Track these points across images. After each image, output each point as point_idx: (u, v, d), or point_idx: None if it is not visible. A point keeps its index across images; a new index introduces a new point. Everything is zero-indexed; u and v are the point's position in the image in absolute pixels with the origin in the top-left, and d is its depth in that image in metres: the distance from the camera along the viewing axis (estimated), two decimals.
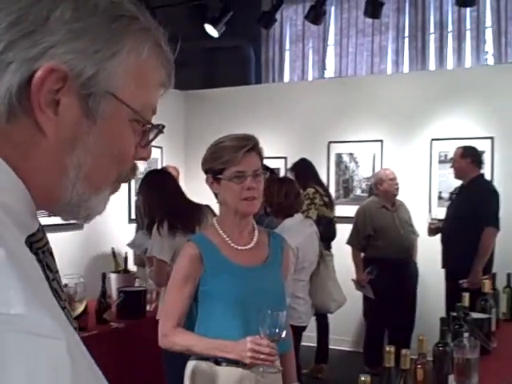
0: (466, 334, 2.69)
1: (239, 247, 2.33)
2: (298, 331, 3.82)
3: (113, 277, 4.48)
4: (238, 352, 2.09)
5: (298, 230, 3.92)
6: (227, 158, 2.21)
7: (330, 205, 5.63)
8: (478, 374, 2.59)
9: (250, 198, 2.25)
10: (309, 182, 5.31)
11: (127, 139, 0.80)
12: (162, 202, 3.79)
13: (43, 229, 0.80)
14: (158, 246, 3.66)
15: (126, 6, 0.77)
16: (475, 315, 3.15)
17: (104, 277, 4.00)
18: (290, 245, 2.56)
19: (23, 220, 0.72)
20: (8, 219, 0.68)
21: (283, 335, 2.08)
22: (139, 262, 4.60)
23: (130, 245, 4.37)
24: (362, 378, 1.69)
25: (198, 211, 3.85)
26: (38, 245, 0.77)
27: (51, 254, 0.82)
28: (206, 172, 2.31)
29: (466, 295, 3.10)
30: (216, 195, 2.35)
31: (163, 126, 0.84)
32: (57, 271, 0.82)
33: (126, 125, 0.78)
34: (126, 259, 4.69)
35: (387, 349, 1.84)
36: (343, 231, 5.83)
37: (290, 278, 3.76)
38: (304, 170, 5.59)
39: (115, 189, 0.84)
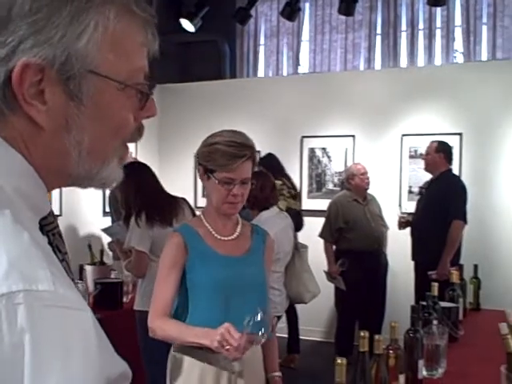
0: (435, 322, 2.81)
1: (223, 237, 2.37)
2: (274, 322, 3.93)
3: (89, 269, 4.51)
4: (210, 337, 2.07)
5: (273, 223, 3.99)
6: (221, 163, 2.23)
7: (296, 197, 5.72)
8: (446, 360, 2.72)
9: (234, 203, 2.30)
10: (276, 174, 5.39)
11: (120, 108, 0.81)
12: (140, 194, 3.84)
13: (53, 212, 0.86)
14: (137, 238, 3.71)
15: None
16: (443, 304, 3.27)
17: (81, 269, 4.04)
18: (273, 239, 2.58)
19: (36, 204, 0.78)
20: (24, 204, 0.74)
21: (264, 340, 2.07)
22: (117, 257, 4.64)
23: (106, 230, 4.40)
24: (339, 361, 1.77)
25: (175, 204, 3.91)
26: (48, 227, 0.83)
27: (60, 236, 0.88)
28: (199, 164, 2.33)
29: (435, 285, 3.22)
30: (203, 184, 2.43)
31: (153, 85, 0.86)
32: (66, 252, 0.88)
33: (116, 95, 0.80)
34: (101, 251, 4.73)
35: (361, 334, 1.93)
36: (316, 224, 5.93)
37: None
38: (271, 163, 5.64)
39: (124, 153, 0.87)
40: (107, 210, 6.67)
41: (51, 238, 0.84)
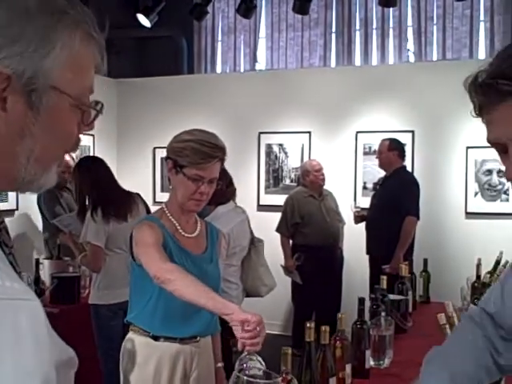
0: (383, 314, 2.93)
1: (186, 234, 2.44)
2: None
3: (46, 263, 4.53)
4: (233, 310, 2.00)
5: (229, 217, 4.07)
6: (194, 160, 2.29)
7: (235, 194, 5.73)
8: (393, 350, 2.84)
9: (199, 200, 2.38)
10: None
11: (70, 122, 0.89)
12: (95, 189, 3.87)
13: None
14: (93, 232, 3.76)
15: (56, 1, 0.84)
16: (393, 297, 3.39)
17: (37, 263, 4.05)
18: (223, 233, 2.70)
19: None
20: None
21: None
22: (68, 253, 4.65)
23: (58, 221, 4.42)
24: (284, 350, 1.87)
25: (129, 199, 3.97)
26: None
27: (7, 231, 0.95)
28: (168, 158, 2.37)
29: (384, 278, 3.34)
30: (169, 178, 2.46)
31: (102, 105, 0.95)
32: (12, 246, 0.95)
33: (68, 110, 0.87)
34: (59, 246, 4.74)
35: (307, 325, 2.03)
36: (273, 219, 6.03)
37: (222, 264, 3.94)
38: None
39: (61, 161, 0.95)
40: None
41: None
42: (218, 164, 2.36)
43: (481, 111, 1.09)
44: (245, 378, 1.32)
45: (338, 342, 2.34)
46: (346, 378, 2.46)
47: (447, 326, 2.09)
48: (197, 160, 2.29)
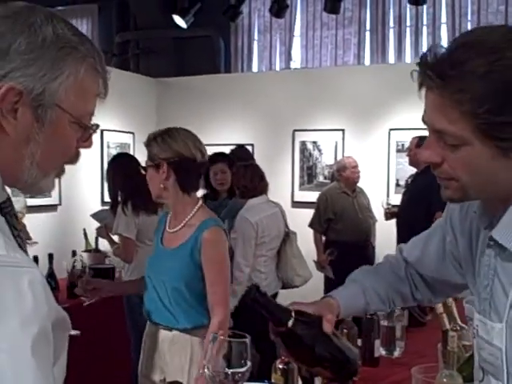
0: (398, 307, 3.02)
1: (168, 230, 2.63)
2: None
3: (84, 255, 4.75)
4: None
5: (259, 209, 4.28)
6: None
7: None
8: (407, 342, 2.93)
9: None
10: None
11: (69, 137, 1.06)
12: (126, 184, 4.07)
13: (10, 198, 1.10)
14: (124, 225, 3.95)
15: (69, 37, 1.02)
16: None
17: (74, 255, 4.25)
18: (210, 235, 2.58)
19: None
20: None
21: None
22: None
23: (94, 215, 4.65)
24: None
25: None
26: (6, 210, 1.06)
27: (16, 216, 1.12)
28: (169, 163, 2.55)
29: None
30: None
31: (97, 126, 1.12)
32: (20, 230, 1.13)
33: (69, 126, 1.05)
34: (96, 239, 4.95)
35: None
36: (307, 215, 6.11)
37: (239, 254, 4.14)
38: (240, 155, 5.69)
39: (61, 171, 1.13)
40: (106, 199, 6.90)
41: (8, 218, 1.07)
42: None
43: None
44: None
45: (344, 330, 2.45)
46: None
47: (444, 315, 2.18)
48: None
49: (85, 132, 1.10)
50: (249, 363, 1.47)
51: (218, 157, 4.99)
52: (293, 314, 1.39)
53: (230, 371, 1.44)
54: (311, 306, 1.46)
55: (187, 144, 2.54)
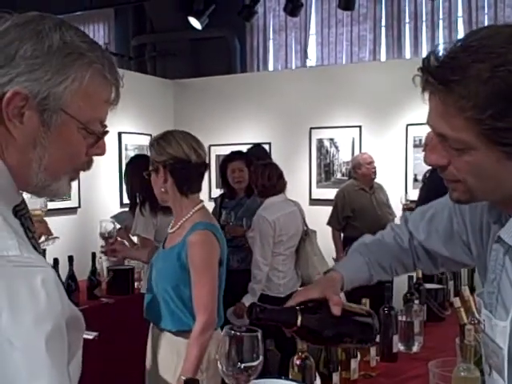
0: (416, 301, 3.02)
1: (169, 231, 2.69)
2: (275, 302, 4.15)
3: (104, 257, 4.79)
4: None
5: (277, 207, 4.30)
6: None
7: None
8: (426, 337, 2.92)
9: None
10: None
11: (77, 142, 1.08)
12: (144, 185, 4.09)
13: (24, 201, 1.13)
14: (142, 225, 3.99)
15: (76, 44, 1.04)
16: (429, 286, 3.47)
17: (94, 256, 4.30)
18: (191, 239, 2.51)
19: (9, 194, 1.05)
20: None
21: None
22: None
23: (114, 217, 4.69)
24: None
25: None
26: (21, 213, 1.10)
27: (30, 219, 1.15)
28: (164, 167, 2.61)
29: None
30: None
31: (106, 133, 1.13)
32: (34, 231, 1.16)
33: (76, 132, 1.06)
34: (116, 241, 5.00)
35: None
36: (325, 213, 6.10)
37: (257, 253, 4.16)
38: (258, 154, 5.70)
39: (74, 176, 1.14)
40: (125, 201, 6.96)
41: (23, 220, 1.10)
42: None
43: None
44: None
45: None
46: (371, 360, 2.57)
47: (462, 309, 2.17)
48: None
49: (95, 138, 1.11)
50: (261, 357, 1.49)
51: (235, 155, 5.02)
52: (298, 313, 1.40)
53: (242, 365, 1.46)
54: (315, 289, 1.48)
55: (181, 146, 2.53)
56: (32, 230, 1.14)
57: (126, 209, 4.94)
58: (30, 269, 0.90)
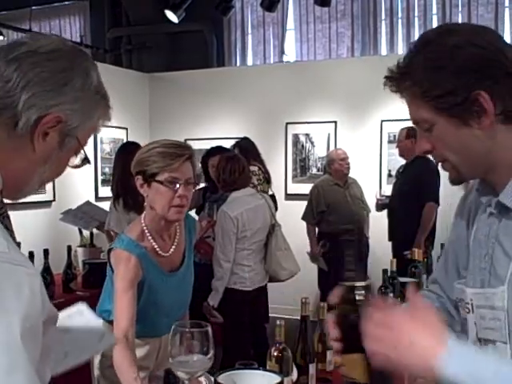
0: (390, 295, 3.08)
1: (164, 254, 2.40)
2: (242, 295, 4.19)
3: (79, 250, 4.78)
4: None
5: (241, 202, 4.21)
6: (164, 163, 2.25)
7: (269, 181, 5.83)
8: None
9: (180, 206, 2.30)
10: (250, 159, 5.35)
11: (70, 158, 1.21)
12: (119, 178, 4.08)
13: (3, 200, 1.18)
14: (115, 220, 3.96)
15: (102, 85, 1.19)
16: (403, 279, 3.52)
17: (69, 250, 4.27)
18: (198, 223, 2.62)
19: None
20: None
21: None
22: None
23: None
24: (278, 323, 2.03)
25: None
26: (0, 211, 1.16)
27: (8, 217, 1.19)
28: (137, 173, 2.32)
29: (394, 261, 3.49)
30: (142, 197, 2.39)
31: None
32: (12, 230, 1.21)
33: (73, 153, 1.20)
34: (91, 234, 4.99)
35: (303, 300, 2.19)
36: (300, 208, 6.15)
37: (218, 249, 4.14)
38: (246, 147, 5.69)
39: None
40: (100, 194, 6.94)
41: (1, 219, 1.16)
42: (188, 164, 2.30)
43: None
44: None
45: None
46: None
47: None
48: (167, 162, 2.25)
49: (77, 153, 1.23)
50: (212, 351, 1.56)
51: (216, 150, 5.03)
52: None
53: (194, 358, 1.53)
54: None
55: None
56: (10, 228, 1.19)
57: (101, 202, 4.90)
58: (17, 268, 0.94)
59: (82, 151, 1.21)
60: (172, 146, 2.28)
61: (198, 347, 1.53)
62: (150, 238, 2.36)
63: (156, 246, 2.36)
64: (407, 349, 1.11)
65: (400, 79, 1.26)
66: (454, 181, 1.33)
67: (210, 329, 1.51)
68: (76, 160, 1.22)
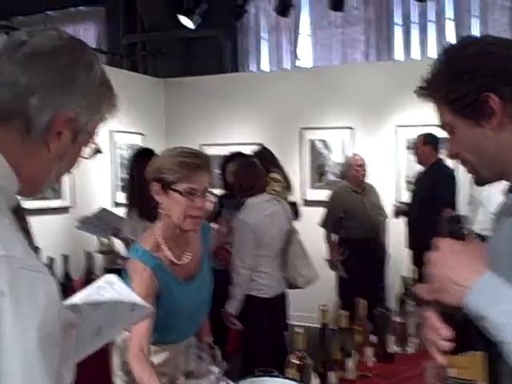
0: (411, 303, 3.06)
1: (179, 262, 2.40)
2: (260, 302, 4.15)
3: (98, 257, 4.80)
4: None
5: (258, 207, 4.17)
6: (183, 173, 2.25)
7: (289, 188, 5.80)
8: (420, 338, 2.95)
9: (196, 217, 2.31)
10: (269, 167, 5.23)
11: (81, 150, 1.22)
12: (134, 188, 4.08)
13: (19, 202, 1.18)
14: (129, 228, 3.96)
15: (105, 77, 1.19)
16: None
17: (89, 256, 4.29)
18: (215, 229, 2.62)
19: (11, 196, 1.11)
20: (2, 196, 1.07)
21: None
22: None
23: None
24: (297, 331, 2.03)
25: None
26: (18, 214, 1.15)
27: (25, 220, 1.21)
28: (154, 180, 2.32)
29: (415, 270, 3.46)
30: (157, 204, 2.38)
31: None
32: (32, 233, 1.22)
33: (85, 145, 1.21)
34: (109, 240, 5.01)
35: (321, 308, 2.19)
36: (318, 214, 6.10)
37: (236, 256, 4.11)
38: (264, 156, 5.64)
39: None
40: (117, 200, 6.95)
41: (19, 222, 1.17)
42: (206, 174, 2.31)
43: None
44: None
45: (357, 327, 2.49)
46: (368, 360, 2.61)
47: None
48: (186, 172, 2.25)
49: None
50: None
51: (235, 156, 5.04)
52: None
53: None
54: None
55: None
56: (28, 230, 1.21)
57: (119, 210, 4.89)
58: (34, 274, 0.95)
59: (93, 143, 1.23)
60: (190, 156, 2.29)
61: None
62: (164, 247, 2.37)
63: (171, 256, 2.37)
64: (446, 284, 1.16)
65: (425, 87, 1.38)
66: (477, 181, 1.39)
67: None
68: (88, 151, 1.23)
